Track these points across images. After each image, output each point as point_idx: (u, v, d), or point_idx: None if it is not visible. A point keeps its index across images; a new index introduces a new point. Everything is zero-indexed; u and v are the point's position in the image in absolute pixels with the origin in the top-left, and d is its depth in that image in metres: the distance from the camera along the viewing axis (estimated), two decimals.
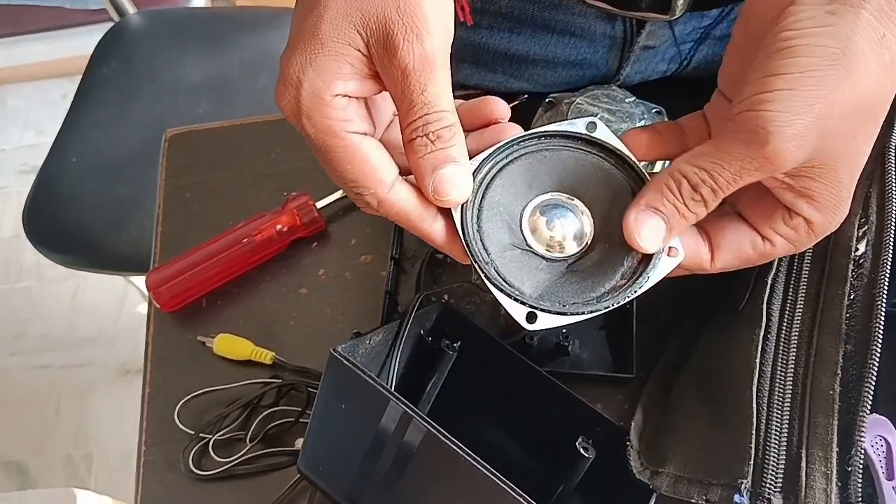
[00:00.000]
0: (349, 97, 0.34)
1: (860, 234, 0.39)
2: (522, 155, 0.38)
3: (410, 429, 0.38)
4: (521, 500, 0.35)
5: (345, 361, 0.39)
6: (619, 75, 0.58)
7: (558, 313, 0.36)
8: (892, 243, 0.38)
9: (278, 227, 0.55)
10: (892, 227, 0.38)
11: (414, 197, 0.35)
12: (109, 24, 1.32)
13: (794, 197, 0.32)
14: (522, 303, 0.36)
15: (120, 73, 1.21)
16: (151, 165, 1.10)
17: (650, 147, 0.37)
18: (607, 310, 0.35)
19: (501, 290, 0.36)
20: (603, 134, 0.37)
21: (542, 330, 0.37)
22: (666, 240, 0.34)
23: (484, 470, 0.36)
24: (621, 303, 0.35)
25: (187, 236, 0.58)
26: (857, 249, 0.39)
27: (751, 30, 0.33)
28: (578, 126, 0.37)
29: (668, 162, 0.40)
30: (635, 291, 0.35)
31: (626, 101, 0.52)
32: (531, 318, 0.36)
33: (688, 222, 0.34)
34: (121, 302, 1.65)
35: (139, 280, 1.30)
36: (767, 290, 0.41)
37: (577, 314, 0.36)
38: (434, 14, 0.32)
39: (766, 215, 0.34)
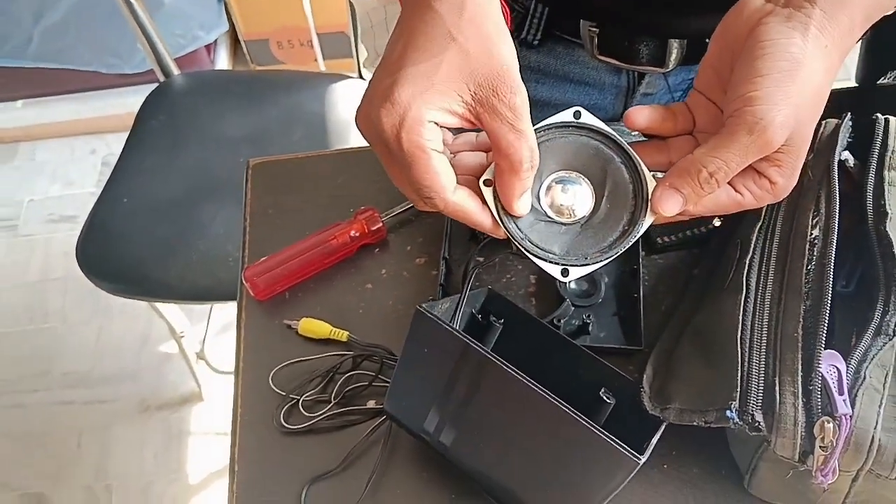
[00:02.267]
0: (438, 125, 0.45)
1: (814, 223, 0.52)
2: None
3: (478, 366, 0.50)
4: (570, 413, 0.47)
5: (427, 314, 0.51)
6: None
7: (584, 265, 0.48)
8: (836, 229, 0.51)
9: (352, 233, 0.67)
10: (836, 218, 0.51)
11: (469, 199, 0.47)
12: (139, 88, 1.46)
13: (767, 165, 0.44)
14: (556, 263, 0.49)
15: (167, 126, 1.35)
16: (197, 206, 1.24)
17: (650, 121, 0.48)
18: (616, 255, 0.48)
19: (537, 256, 0.49)
20: (587, 118, 0.49)
21: (574, 280, 0.49)
22: (682, 208, 0.46)
23: (537, 389, 0.48)
24: (627, 246, 0.48)
25: (270, 244, 0.70)
26: (812, 234, 0.52)
27: (726, 43, 0.45)
28: (567, 115, 0.49)
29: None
30: (635, 235, 0.48)
31: (632, 134, 0.66)
32: (564, 272, 0.49)
33: (701, 198, 0.45)
34: (142, 342, 1.74)
35: (171, 313, 1.40)
36: (746, 268, 0.54)
37: (597, 262, 0.48)
38: (520, 76, 0.44)
39: (741, 175, 0.45)
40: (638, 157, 0.48)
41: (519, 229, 0.49)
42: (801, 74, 0.41)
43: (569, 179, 0.49)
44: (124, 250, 1.20)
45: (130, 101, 1.42)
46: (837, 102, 0.70)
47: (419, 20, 0.44)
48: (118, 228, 1.22)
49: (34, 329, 1.79)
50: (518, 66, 0.44)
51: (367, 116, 0.45)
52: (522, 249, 0.48)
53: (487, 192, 0.48)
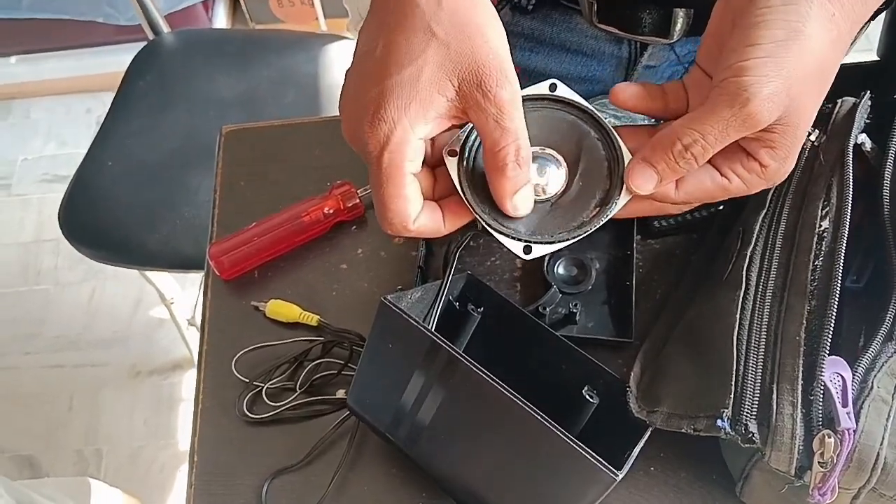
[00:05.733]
0: (423, 139, 0.41)
1: (823, 213, 0.47)
2: None
3: (447, 365, 0.46)
4: (543, 422, 0.43)
5: (392, 307, 0.47)
6: None
7: (547, 243, 0.45)
8: (847, 221, 0.46)
9: (325, 209, 0.63)
10: (849, 209, 0.46)
11: (428, 224, 0.44)
12: (135, 45, 1.41)
13: (758, 146, 0.40)
14: (518, 239, 0.45)
15: (155, 87, 1.30)
16: (183, 171, 1.19)
17: (636, 99, 0.44)
18: (585, 234, 0.44)
19: (500, 232, 0.45)
20: (563, 91, 0.45)
21: (537, 258, 0.45)
22: (657, 186, 0.41)
23: (509, 394, 0.44)
24: (596, 227, 0.44)
25: (242, 218, 0.66)
26: (820, 226, 0.47)
27: (727, 13, 0.40)
28: (543, 87, 0.46)
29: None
30: (608, 215, 0.44)
31: (627, 117, 0.61)
32: (527, 250, 0.45)
33: (677, 175, 0.41)
34: (135, 306, 1.71)
35: (160, 280, 1.37)
36: (747, 261, 0.49)
37: (562, 241, 0.44)
38: (511, 64, 0.40)
39: (727, 157, 0.41)
40: (616, 133, 0.44)
41: (483, 205, 0.45)
42: (800, 45, 0.37)
43: (540, 156, 0.45)
44: (108, 216, 1.16)
45: (127, 59, 1.36)
46: (857, 78, 0.64)
47: (399, 13, 0.41)
48: (102, 193, 1.18)
49: (26, 290, 1.77)
50: (509, 55, 0.40)
51: (353, 130, 0.42)
52: (485, 225, 0.45)
53: (451, 163, 0.45)
